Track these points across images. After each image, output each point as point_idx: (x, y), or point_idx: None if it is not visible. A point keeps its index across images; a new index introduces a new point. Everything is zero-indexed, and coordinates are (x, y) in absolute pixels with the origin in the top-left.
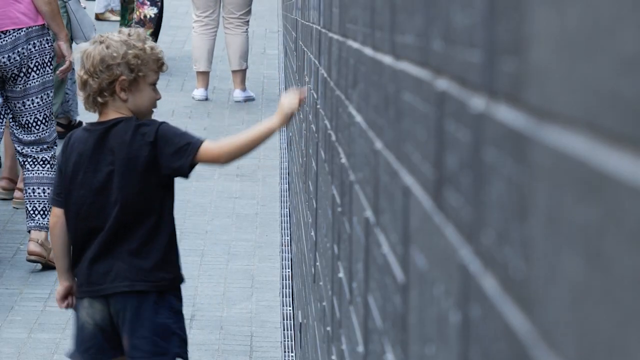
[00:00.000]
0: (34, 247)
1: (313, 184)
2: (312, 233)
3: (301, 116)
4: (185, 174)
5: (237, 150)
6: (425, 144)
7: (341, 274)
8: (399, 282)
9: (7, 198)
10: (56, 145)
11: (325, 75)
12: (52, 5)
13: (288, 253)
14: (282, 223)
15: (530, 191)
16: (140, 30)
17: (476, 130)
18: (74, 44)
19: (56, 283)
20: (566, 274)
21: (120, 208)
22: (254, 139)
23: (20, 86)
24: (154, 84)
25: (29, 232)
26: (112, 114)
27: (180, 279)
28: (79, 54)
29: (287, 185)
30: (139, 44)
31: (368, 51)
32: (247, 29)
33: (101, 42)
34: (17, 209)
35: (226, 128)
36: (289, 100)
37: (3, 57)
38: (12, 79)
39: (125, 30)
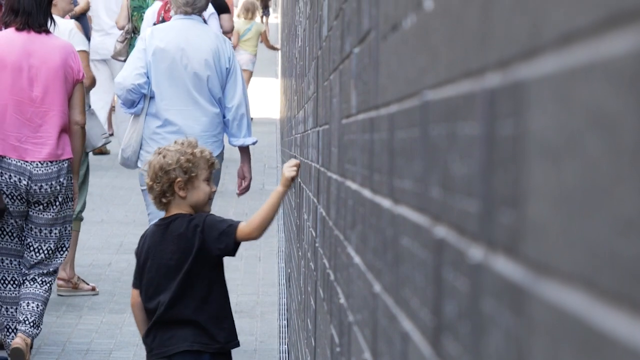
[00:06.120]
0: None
1: (312, 322)
2: None
3: (300, 253)
4: (231, 253)
5: (264, 223)
6: (424, 290)
7: None
8: None
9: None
10: (55, 274)
11: (324, 214)
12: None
13: None
14: None
15: (528, 345)
16: (192, 139)
17: (474, 280)
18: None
19: None
20: None
21: (178, 286)
22: (272, 208)
23: (40, 214)
24: (207, 180)
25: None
26: (174, 210)
27: (234, 343)
28: (145, 167)
29: (286, 322)
30: (189, 150)
31: (367, 193)
32: None
33: (159, 154)
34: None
35: (227, 260)
36: (288, 168)
37: (35, 185)
38: (35, 204)
39: (180, 140)
